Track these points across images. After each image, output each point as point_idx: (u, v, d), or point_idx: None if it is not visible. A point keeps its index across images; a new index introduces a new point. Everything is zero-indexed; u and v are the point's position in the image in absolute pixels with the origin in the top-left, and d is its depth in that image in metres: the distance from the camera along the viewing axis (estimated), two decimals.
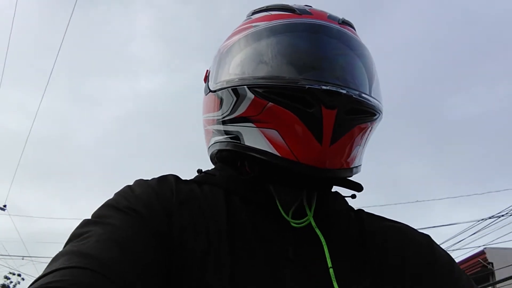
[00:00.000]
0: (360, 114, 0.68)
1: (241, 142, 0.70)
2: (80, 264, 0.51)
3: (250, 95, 0.67)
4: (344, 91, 0.64)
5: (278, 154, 0.65)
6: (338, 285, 0.62)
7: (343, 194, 0.80)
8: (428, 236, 0.77)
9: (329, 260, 0.64)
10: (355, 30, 0.80)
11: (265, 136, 0.67)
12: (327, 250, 0.65)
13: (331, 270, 0.62)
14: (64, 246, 0.58)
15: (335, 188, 0.77)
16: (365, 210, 0.80)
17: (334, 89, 0.64)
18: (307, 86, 0.64)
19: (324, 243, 0.65)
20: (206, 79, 0.85)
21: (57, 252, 0.56)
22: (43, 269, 0.54)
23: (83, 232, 0.58)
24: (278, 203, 0.69)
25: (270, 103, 0.65)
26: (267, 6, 0.80)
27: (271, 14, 0.77)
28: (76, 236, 0.58)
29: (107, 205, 0.64)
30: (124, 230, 0.58)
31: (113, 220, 0.60)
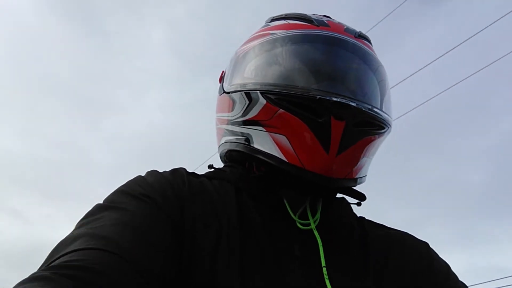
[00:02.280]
0: (368, 126, 0.69)
1: (251, 144, 0.72)
2: (98, 246, 0.52)
3: (262, 100, 0.69)
4: (354, 104, 0.66)
5: (285, 159, 0.67)
6: (333, 285, 0.63)
7: (349, 201, 0.81)
8: (426, 244, 0.79)
9: (323, 259, 0.65)
10: (371, 44, 0.81)
11: (274, 140, 0.69)
12: (322, 250, 0.66)
13: (324, 270, 0.64)
14: (76, 229, 0.58)
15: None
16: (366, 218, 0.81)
17: (344, 101, 0.65)
18: (318, 96, 0.65)
19: (320, 243, 0.67)
20: (221, 79, 0.87)
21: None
22: None
23: (97, 217, 0.58)
24: (286, 204, 0.70)
25: (281, 109, 0.67)
26: (286, 15, 0.82)
27: (289, 23, 0.79)
28: (90, 219, 0.58)
29: (121, 191, 0.64)
30: (139, 216, 0.58)
31: (128, 206, 0.60)
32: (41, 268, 0.50)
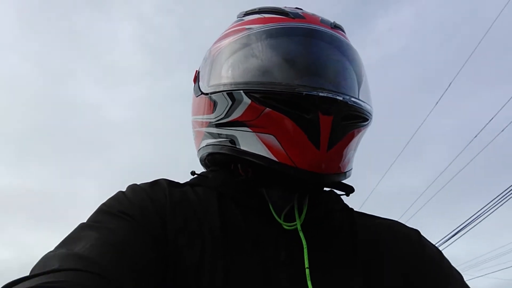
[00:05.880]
0: (354, 119, 0.69)
1: (237, 146, 0.70)
2: (77, 266, 0.51)
3: (247, 100, 0.67)
4: (340, 98, 0.65)
5: (275, 159, 0.66)
6: (315, 286, 0.63)
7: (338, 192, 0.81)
8: (417, 231, 0.79)
9: (307, 261, 0.65)
10: (345, 33, 0.81)
11: (261, 140, 0.67)
12: (306, 252, 0.66)
13: (307, 271, 0.64)
14: (57, 248, 0.57)
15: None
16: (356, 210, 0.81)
17: (331, 96, 0.65)
18: (304, 93, 0.64)
19: (305, 245, 0.66)
20: (196, 79, 0.84)
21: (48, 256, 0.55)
22: None
23: (78, 236, 0.58)
24: (270, 206, 0.70)
25: (268, 108, 0.66)
26: (259, 8, 0.80)
27: (264, 17, 0.77)
28: (70, 240, 0.58)
29: (101, 211, 0.64)
30: (119, 234, 0.58)
31: (108, 224, 0.60)
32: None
